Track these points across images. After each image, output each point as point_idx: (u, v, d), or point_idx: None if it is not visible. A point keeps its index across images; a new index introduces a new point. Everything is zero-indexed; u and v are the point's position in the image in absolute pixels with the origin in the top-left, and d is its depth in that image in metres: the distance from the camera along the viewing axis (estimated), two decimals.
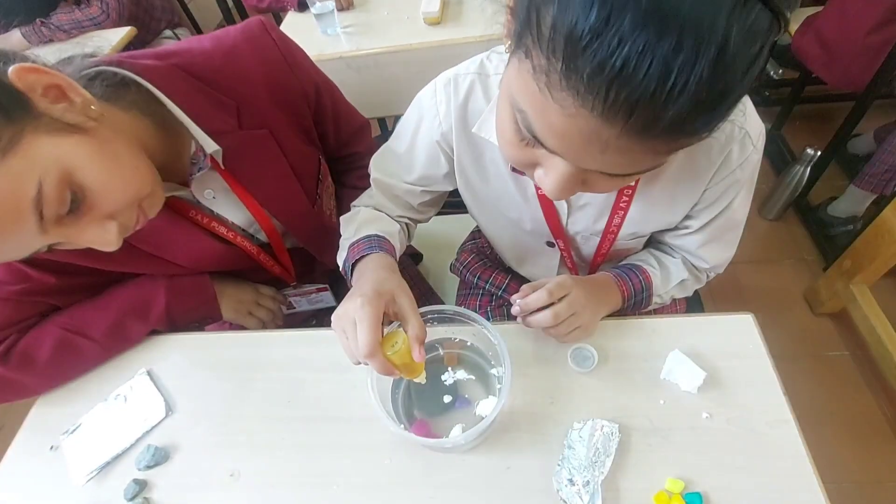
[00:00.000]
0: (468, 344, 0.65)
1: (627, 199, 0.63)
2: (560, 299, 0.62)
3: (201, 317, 0.81)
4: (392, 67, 1.04)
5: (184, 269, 0.75)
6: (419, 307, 0.57)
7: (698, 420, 0.59)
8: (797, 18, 1.69)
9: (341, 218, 0.77)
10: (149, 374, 0.73)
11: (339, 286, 0.98)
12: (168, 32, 2.07)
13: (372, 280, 0.58)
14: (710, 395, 0.60)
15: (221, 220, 0.74)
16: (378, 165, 0.77)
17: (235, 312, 0.85)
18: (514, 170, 0.63)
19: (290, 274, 0.89)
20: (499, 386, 0.61)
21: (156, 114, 0.61)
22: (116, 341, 0.74)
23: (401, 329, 0.55)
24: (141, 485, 0.63)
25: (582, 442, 0.57)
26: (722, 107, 0.34)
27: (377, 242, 0.67)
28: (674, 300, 0.76)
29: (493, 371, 0.63)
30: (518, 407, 0.63)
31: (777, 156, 2.01)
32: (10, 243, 0.47)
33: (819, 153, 1.64)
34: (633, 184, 0.60)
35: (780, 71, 2.26)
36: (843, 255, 1.47)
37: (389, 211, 0.77)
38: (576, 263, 0.79)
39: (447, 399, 0.62)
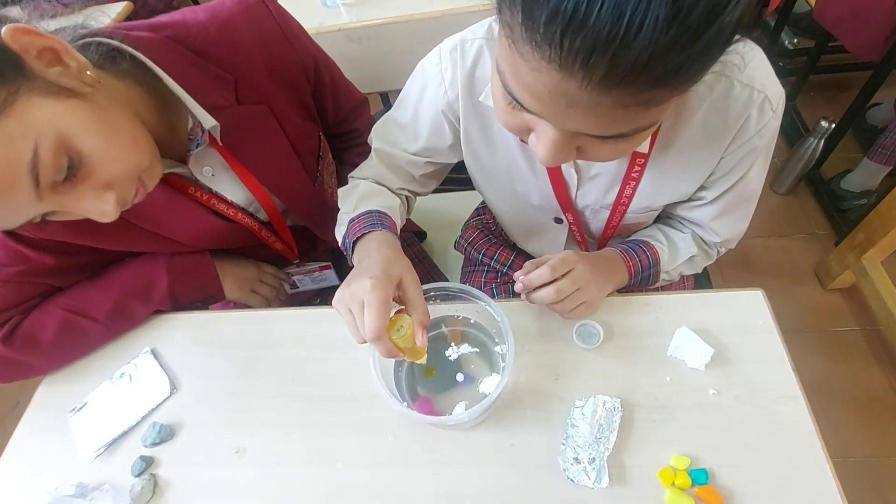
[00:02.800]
0: (472, 321, 0.65)
1: (639, 168, 0.60)
2: (564, 275, 0.61)
3: (205, 296, 0.81)
4: (394, 39, 1.01)
5: (184, 247, 0.74)
6: (423, 284, 0.57)
7: (705, 397, 0.58)
8: None
9: (339, 190, 0.75)
10: (153, 352, 0.73)
11: (343, 264, 0.97)
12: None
13: (380, 261, 0.56)
14: (717, 372, 0.60)
15: (221, 198, 0.73)
16: (380, 135, 0.74)
17: (239, 290, 0.84)
18: (522, 140, 0.61)
19: (293, 251, 0.89)
20: (502, 364, 0.60)
21: (151, 86, 0.60)
22: (120, 322, 0.73)
23: (405, 314, 0.54)
24: (147, 461, 0.63)
25: (585, 419, 0.57)
26: (691, 52, 0.32)
27: (379, 219, 0.65)
28: (682, 276, 0.75)
29: (497, 349, 0.62)
30: (522, 384, 0.62)
31: (790, 127, 1.96)
32: (4, 209, 0.46)
33: (833, 125, 1.59)
34: (645, 151, 0.58)
35: (796, 40, 2.19)
36: (855, 229, 1.44)
37: (390, 183, 0.75)
38: (585, 239, 0.77)
39: (452, 377, 0.61)
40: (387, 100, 1.32)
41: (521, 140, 0.59)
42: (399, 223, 0.71)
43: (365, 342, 0.52)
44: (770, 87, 0.54)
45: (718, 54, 0.35)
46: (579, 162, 0.63)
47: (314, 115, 0.79)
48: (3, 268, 0.65)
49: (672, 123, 0.56)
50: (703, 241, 0.72)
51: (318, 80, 0.76)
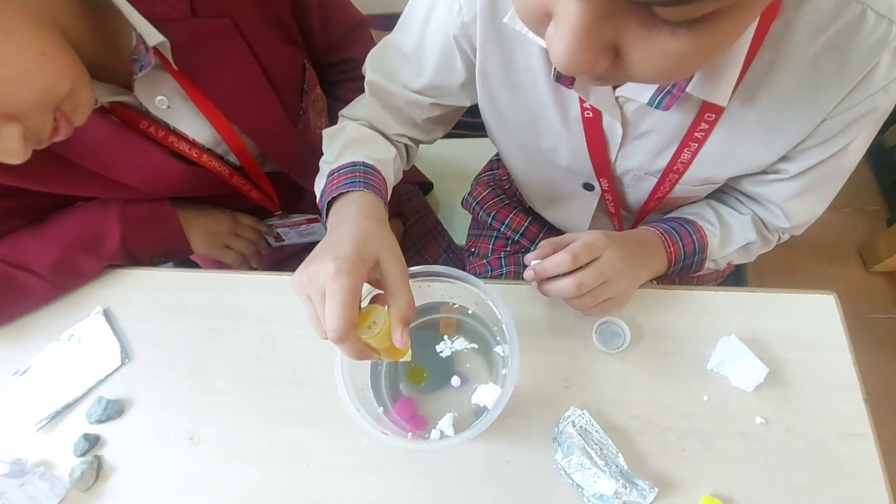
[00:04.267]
0: (469, 311, 0.53)
1: (707, 126, 0.46)
2: (588, 264, 0.48)
3: (167, 251, 0.71)
4: None
5: (138, 193, 0.63)
6: (428, 251, 0.45)
7: (750, 426, 0.47)
8: None
9: (324, 132, 0.62)
10: (105, 313, 0.64)
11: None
12: None
13: (353, 236, 0.44)
14: (767, 396, 0.48)
15: (182, 136, 0.61)
16: (376, 64, 0.60)
17: (209, 245, 0.73)
18: (557, 79, 0.46)
19: (274, 202, 0.77)
20: (503, 371, 0.49)
21: None
22: (65, 277, 0.64)
23: (380, 304, 0.42)
24: (91, 441, 0.56)
25: (575, 448, 0.47)
26: None
27: (363, 175, 0.52)
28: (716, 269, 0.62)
29: (498, 349, 0.51)
30: (526, 388, 0.52)
31: None
32: None
33: None
34: (721, 104, 0.42)
35: None
36: None
37: (386, 127, 0.62)
38: (619, 211, 0.64)
39: (442, 377, 0.51)
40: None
41: (560, 81, 0.45)
42: (391, 179, 0.58)
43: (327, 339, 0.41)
44: None
45: None
46: (628, 114, 0.48)
47: (296, 38, 0.64)
48: None
49: (767, 64, 0.41)
50: (765, 224, 0.58)
51: None
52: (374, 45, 0.75)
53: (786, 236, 0.61)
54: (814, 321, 0.52)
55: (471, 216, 0.89)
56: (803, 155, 0.48)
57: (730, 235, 0.58)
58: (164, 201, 0.67)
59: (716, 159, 0.49)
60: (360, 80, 0.76)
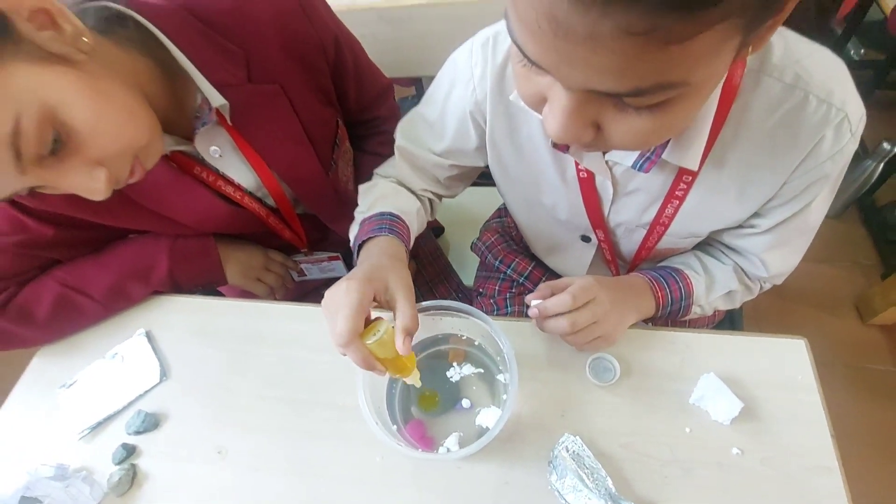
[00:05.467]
0: (475, 343, 0.60)
1: (686, 186, 0.53)
2: (582, 305, 0.55)
3: (205, 281, 0.78)
4: (429, 22, 0.94)
5: (187, 229, 0.71)
6: (439, 290, 0.51)
7: (727, 456, 0.52)
8: None
9: (360, 187, 0.72)
10: (147, 335, 0.71)
11: (351, 254, 0.93)
12: None
13: (367, 265, 0.53)
14: (743, 429, 0.54)
15: (229, 180, 0.69)
16: (405, 132, 0.69)
17: (243, 277, 0.81)
18: (554, 146, 0.55)
19: (302, 240, 0.85)
20: (504, 396, 0.55)
21: (157, 58, 0.56)
22: (116, 301, 0.71)
23: (386, 320, 0.49)
24: (129, 450, 0.61)
25: (568, 471, 0.51)
26: None
27: (389, 223, 0.61)
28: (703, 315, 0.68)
29: (500, 377, 0.57)
30: (525, 415, 0.57)
31: None
32: None
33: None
34: (693, 168, 0.50)
35: (863, 51, 2.02)
36: None
37: (412, 184, 0.71)
38: (615, 258, 0.71)
39: (451, 400, 0.57)
40: (420, 86, 1.26)
41: (557, 147, 0.54)
42: (416, 228, 0.67)
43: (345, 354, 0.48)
44: (851, 105, 0.46)
45: None
46: (617, 175, 0.56)
47: (333, 101, 0.74)
48: (3, 237, 0.63)
49: (731, 137, 0.49)
50: (747, 274, 0.64)
51: (340, 62, 0.71)
52: (397, 104, 0.86)
53: (767, 285, 0.67)
54: (786, 363, 0.57)
55: (479, 259, 0.97)
56: (772, 212, 0.55)
57: (713, 283, 0.64)
58: (208, 237, 0.75)
59: (696, 215, 0.57)
60: (384, 134, 0.86)
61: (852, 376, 1.40)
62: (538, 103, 0.39)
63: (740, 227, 0.59)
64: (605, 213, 0.62)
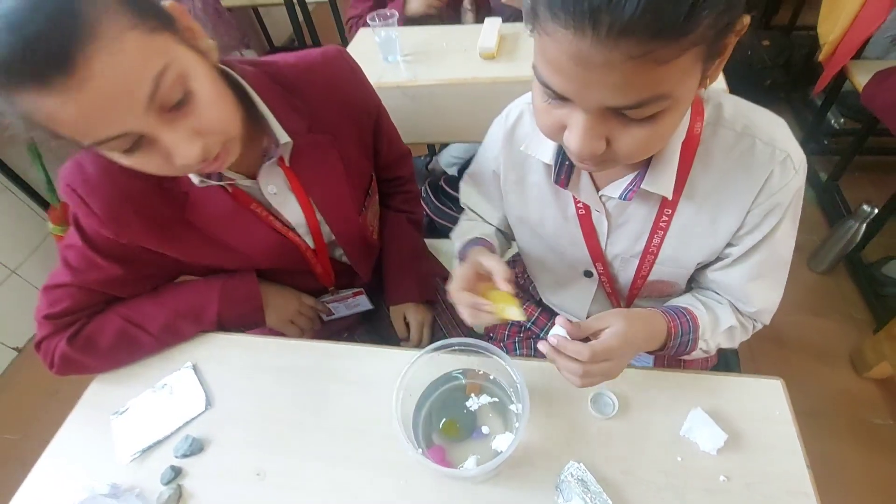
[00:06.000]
0: (491, 377, 0.68)
1: (667, 218, 0.64)
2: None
3: (247, 322, 0.87)
4: (446, 99, 1.09)
5: (243, 258, 0.80)
6: (452, 333, 0.61)
7: (714, 482, 0.59)
8: (867, 70, 1.64)
9: (451, 234, 0.90)
10: (194, 367, 0.79)
11: (374, 291, 1.03)
12: (236, 53, 2.22)
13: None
14: (729, 458, 0.60)
15: (277, 216, 0.79)
16: (463, 194, 0.91)
17: (278, 320, 0.90)
18: (556, 181, 0.67)
19: (330, 278, 0.94)
20: (516, 424, 0.62)
21: (243, 105, 0.67)
22: (169, 337, 0.80)
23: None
24: (176, 471, 0.68)
25: (574, 495, 0.58)
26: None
27: (476, 241, 0.81)
28: (706, 354, 0.75)
29: (513, 407, 0.64)
30: (534, 444, 0.64)
31: (831, 207, 1.94)
32: (114, 107, 0.49)
33: (876, 210, 1.58)
34: (668, 196, 0.61)
35: (842, 120, 2.18)
36: (894, 320, 1.40)
37: (485, 215, 0.90)
38: (615, 291, 0.79)
39: (470, 428, 0.64)
40: (433, 149, 1.40)
41: (558, 184, 0.67)
42: (496, 243, 0.85)
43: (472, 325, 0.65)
44: (792, 149, 0.58)
45: (708, 9, 0.38)
46: (610, 209, 0.67)
47: (370, 155, 0.88)
48: (80, 273, 0.73)
49: (699, 175, 0.61)
50: (739, 310, 0.71)
51: (378, 124, 0.86)
52: (414, 167, 1.03)
53: (758, 325, 0.73)
54: (765, 400, 0.65)
55: None
56: (742, 240, 0.64)
57: (717, 319, 0.70)
58: (254, 284, 0.84)
59: (679, 243, 0.67)
60: (407, 193, 1.00)
61: (849, 429, 1.43)
62: (558, 132, 0.51)
63: (718, 258, 0.68)
64: (603, 245, 0.72)
